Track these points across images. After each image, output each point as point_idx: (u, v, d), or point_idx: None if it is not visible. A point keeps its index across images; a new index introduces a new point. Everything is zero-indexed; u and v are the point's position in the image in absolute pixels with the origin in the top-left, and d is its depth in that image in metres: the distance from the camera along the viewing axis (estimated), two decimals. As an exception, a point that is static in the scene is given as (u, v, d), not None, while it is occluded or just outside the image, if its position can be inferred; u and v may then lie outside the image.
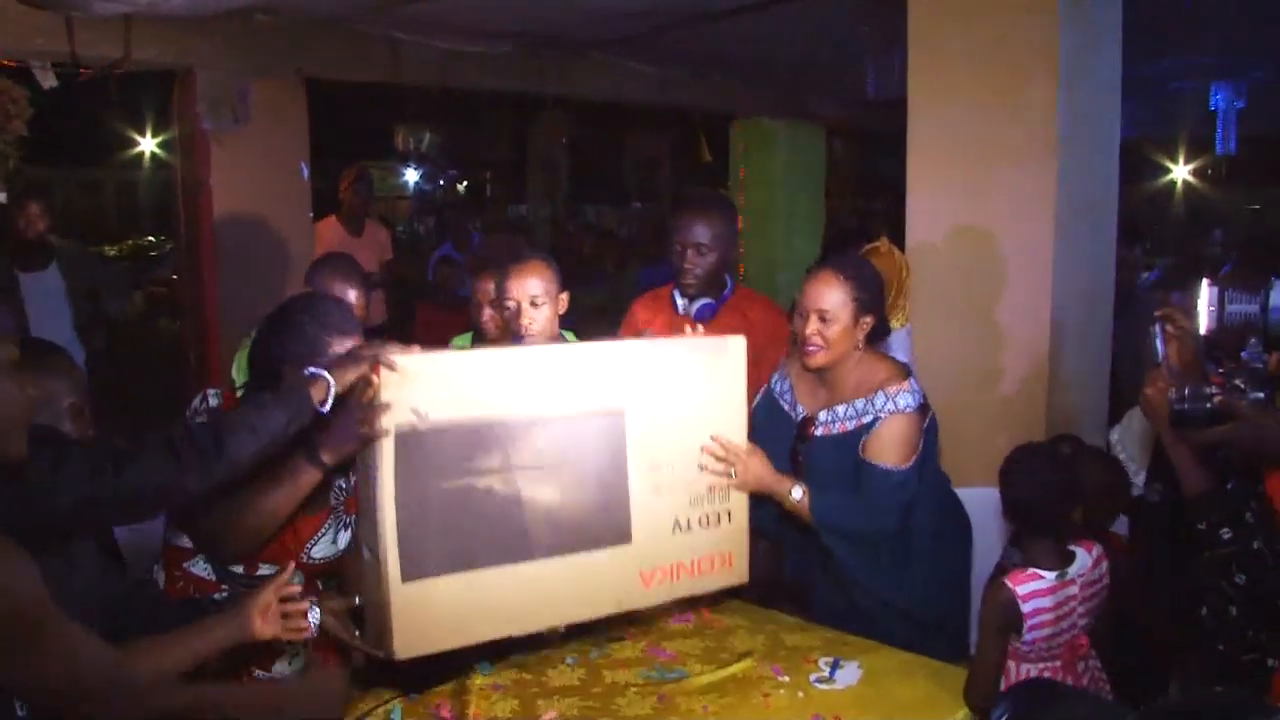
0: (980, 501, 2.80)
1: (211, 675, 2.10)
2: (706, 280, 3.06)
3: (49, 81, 4.50)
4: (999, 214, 3.40)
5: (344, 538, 2.27)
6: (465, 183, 13.77)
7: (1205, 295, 2.00)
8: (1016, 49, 3.33)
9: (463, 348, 3.03)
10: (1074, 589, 2.28)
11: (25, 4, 4.16)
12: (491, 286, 2.97)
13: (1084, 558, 2.32)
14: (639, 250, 8.23)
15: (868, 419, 2.47)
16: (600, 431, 2.18)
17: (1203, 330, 2.02)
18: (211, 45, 4.84)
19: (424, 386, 1.95)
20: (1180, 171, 12.40)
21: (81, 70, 4.58)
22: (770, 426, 2.56)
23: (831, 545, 2.47)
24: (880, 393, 2.47)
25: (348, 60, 5.37)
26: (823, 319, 2.46)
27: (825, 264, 2.58)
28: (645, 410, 2.22)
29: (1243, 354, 1.97)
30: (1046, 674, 2.27)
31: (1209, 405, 1.97)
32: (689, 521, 2.30)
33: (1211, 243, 5.71)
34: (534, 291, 2.66)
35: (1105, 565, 2.40)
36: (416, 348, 1.99)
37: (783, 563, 2.78)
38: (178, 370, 5.62)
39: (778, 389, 2.70)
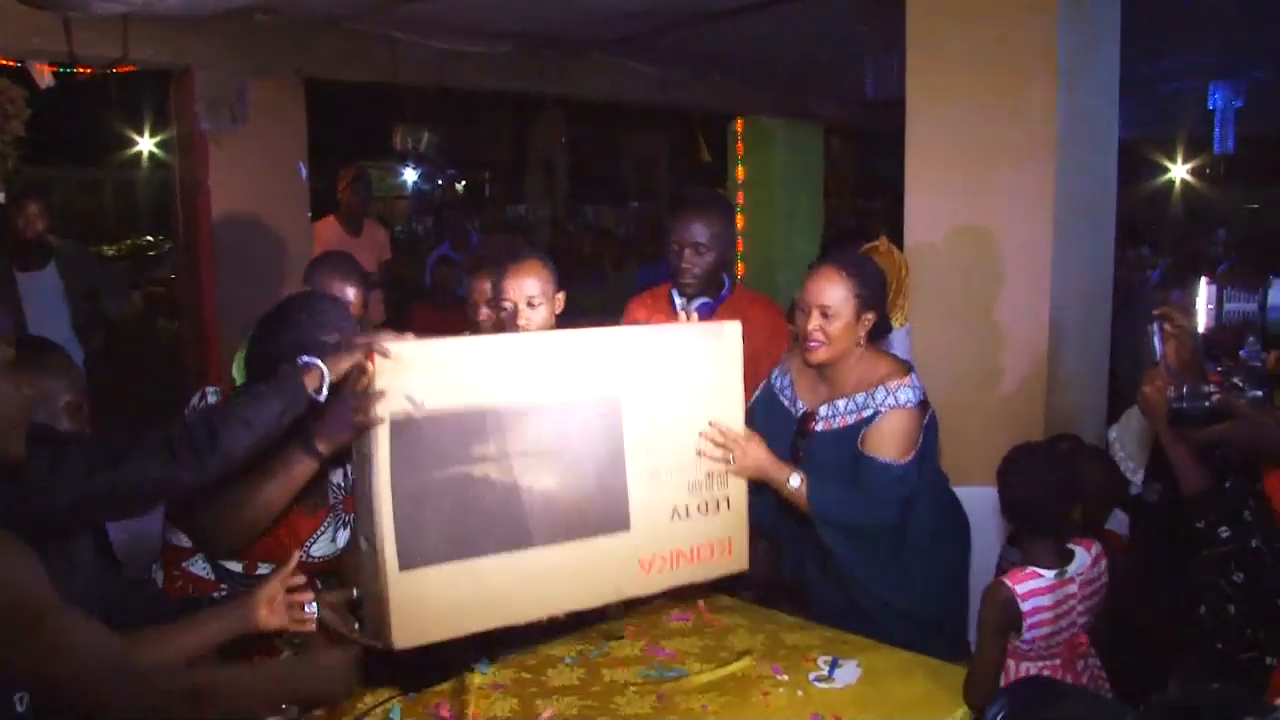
0: (979, 501, 2.80)
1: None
2: (704, 280, 3.06)
3: (45, 82, 4.50)
4: (998, 214, 3.40)
5: (343, 536, 2.27)
6: (464, 183, 13.78)
7: (1204, 294, 2.00)
8: (1016, 49, 3.33)
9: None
10: (1073, 587, 2.28)
11: (23, 3, 4.16)
12: (488, 286, 2.96)
13: (1083, 556, 2.32)
14: (637, 250, 8.22)
15: (868, 413, 2.47)
16: (597, 418, 2.17)
17: (1201, 329, 2.02)
18: (209, 45, 4.84)
19: (419, 374, 1.94)
20: (1179, 171, 12.42)
21: (79, 70, 4.58)
22: (770, 422, 2.55)
23: (828, 538, 2.46)
24: (881, 387, 2.47)
25: (346, 60, 5.37)
26: (825, 315, 2.46)
27: (828, 260, 2.57)
28: (642, 396, 2.21)
29: (1241, 352, 1.97)
30: (1046, 672, 2.27)
31: (1207, 404, 1.98)
32: (688, 508, 2.29)
33: (1215, 242, 5.70)
34: (531, 292, 2.66)
35: (1104, 564, 2.40)
36: (410, 335, 1.98)
37: (782, 562, 2.78)
38: (176, 370, 5.62)
39: (778, 384, 2.70)
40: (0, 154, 4.54)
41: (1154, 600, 2.79)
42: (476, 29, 5.42)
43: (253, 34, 4.93)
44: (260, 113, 5.10)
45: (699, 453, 2.30)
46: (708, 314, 3.08)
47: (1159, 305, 2.18)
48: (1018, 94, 3.33)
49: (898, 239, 3.64)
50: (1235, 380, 1.94)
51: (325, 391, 1.85)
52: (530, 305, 2.65)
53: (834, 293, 2.46)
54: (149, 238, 14.92)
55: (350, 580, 2.15)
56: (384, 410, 1.90)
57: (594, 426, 2.17)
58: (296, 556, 1.91)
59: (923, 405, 2.48)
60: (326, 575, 2.31)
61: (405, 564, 1.94)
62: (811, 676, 2.21)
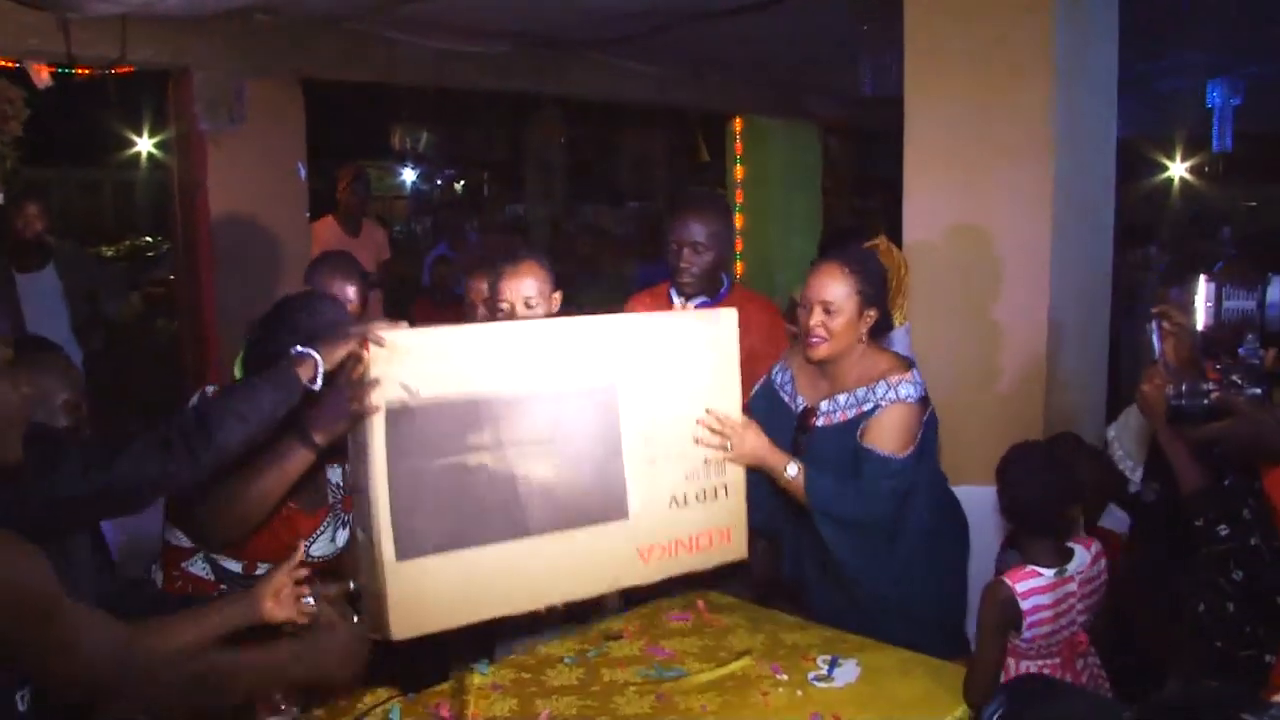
0: (978, 500, 2.80)
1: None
2: (703, 279, 3.06)
3: (43, 82, 4.49)
4: (996, 213, 3.40)
5: (342, 536, 2.27)
6: (462, 182, 13.77)
7: (1202, 291, 2.00)
8: (1013, 48, 3.33)
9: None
10: (1073, 586, 2.28)
11: (20, 4, 4.16)
12: (485, 286, 2.96)
13: (1082, 554, 2.32)
14: (636, 249, 8.22)
15: (868, 407, 2.46)
16: (593, 406, 2.16)
17: (1200, 326, 2.02)
18: (208, 45, 4.84)
19: (414, 362, 1.93)
20: (1177, 169, 12.42)
21: (78, 70, 4.58)
22: (770, 418, 2.53)
23: (824, 531, 2.45)
24: (882, 381, 2.46)
25: (344, 60, 5.36)
26: (827, 310, 2.46)
27: (831, 256, 2.56)
28: (638, 384, 2.21)
29: (1240, 350, 1.98)
30: (1046, 671, 2.27)
31: (1206, 401, 1.98)
32: (685, 496, 2.28)
33: (1220, 241, 5.71)
34: (528, 293, 2.65)
35: (1104, 562, 2.40)
36: (404, 324, 1.96)
37: (779, 561, 2.78)
38: (175, 370, 5.62)
39: (778, 380, 2.69)
40: (-1, 154, 4.54)
41: (1153, 599, 2.79)
42: (475, 29, 5.42)
43: (251, 34, 4.93)
44: (259, 113, 5.10)
45: (696, 440, 2.30)
46: (706, 313, 3.08)
47: (1158, 303, 2.19)
48: (1015, 93, 3.33)
49: (896, 238, 3.64)
50: (1234, 378, 1.95)
51: (320, 380, 1.83)
52: (527, 306, 2.65)
53: (837, 289, 2.46)
54: (148, 238, 14.89)
55: (348, 574, 2.14)
56: (379, 399, 1.89)
57: (590, 414, 2.16)
58: (302, 548, 1.90)
59: (923, 401, 2.48)
60: (326, 575, 2.30)
61: (402, 554, 1.93)
62: (811, 676, 2.22)
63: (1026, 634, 2.23)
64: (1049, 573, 2.25)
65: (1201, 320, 2.01)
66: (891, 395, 2.44)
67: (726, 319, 2.34)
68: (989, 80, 3.37)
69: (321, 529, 2.25)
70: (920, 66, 3.55)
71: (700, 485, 2.31)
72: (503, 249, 3.38)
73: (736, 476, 2.37)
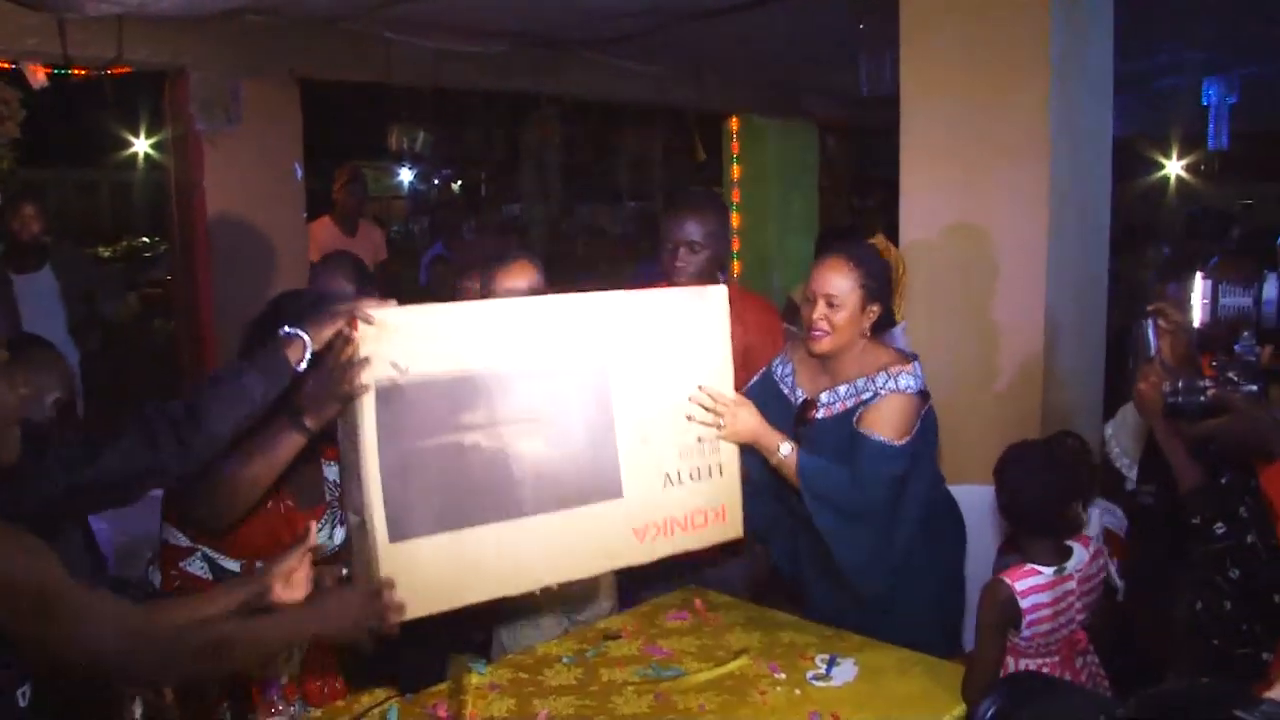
0: (976, 499, 2.81)
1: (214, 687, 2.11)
2: (698, 278, 3.05)
3: (39, 83, 4.49)
4: (993, 211, 3.41)
5: (340, 534, 2.27)
6: (460, 182, 13.76)
7: (1199, 288, 2.00)
8: (1010, 46, 3.34)
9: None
10: (1072, 584, 2.28)
11: (17, 4, 4.15)
12: (477, 285, 2.96)
13: (1081, 553, 2.32)
14: (633, 249, 8.23)
15: (867, 395, 2.46)
16: (584, 383, 2.14)
17: (1196, 323, 2.03)
18: (204, 46, 4.83)
19: (403, 340, 1.90)
20: (1174, 168, 12.43)
21: (74, 71, 4.57)
22: (769, 410, 2.52)
23: (818, 517, 2.42)
24: (882, 372, 2.45)
25: (342, 60, 5.36)
26: (830, 304, 2.46)
27: (835, 250, 2.56)
28: (629, 361, 2.19)
29: (1236, 347, 1.98)
30: (1045, 669, 2.27)
31: (1202, 398, 1.98)
32: (679, 474, 2.27)
33: (1231, 240, 5.69)
34: (520, 292, 2.65)
35: (1102, 560, 2.41)
36: (393, 301, 1.93)
37: (769, 561, 2.78)
38: (173, 371, 5.61)
39: (778, 373, 2.68)
40: (-4, 155, 4.54)
41: (1152, 598, 2.79)
42: (473, 28, 5.42)
43: (247, 34, 4.92)
44: (255, 113, 5.09)
45: (689, 418, 2.29)
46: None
47: (1155, 301, 2.19)
48: (1012, 91, 3.33)
49: (894, 237, 3.64)
50: (1230, 374, 1.95)
51: (307, 360, 1.81)
52: None
53: (840, 282, 2.46)
54: (145, 239, 14.89)
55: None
56: (369, 378, 1.86)
57: (582, 392, 2.14)
58: (314, 530, 1.89)
59: (923, 395, 2.46)
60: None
61: (395, 536, 1.90)
62: (809, 675, 2.22)
63: (1026, 633, 2.23)
64: (1048, 571, 2.25)
65: (1198, 317, 2.02)
66: (891, 385, 2.44)
67: (716, 295, 2.33)
68: (986, 79, 3.38)
69: (320, 526, 2.25)
70: (916, 65, 3.55)
71: (694, 463, 2.29)
72: (497, 249, 3.38)
73: (730, 454, 2.36)
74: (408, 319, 1.93)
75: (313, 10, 4.89)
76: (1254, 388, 1.93)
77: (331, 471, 2.28)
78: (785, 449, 2.39)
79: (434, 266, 6.27)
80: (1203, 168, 12.25)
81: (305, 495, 2.22)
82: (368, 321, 1.86)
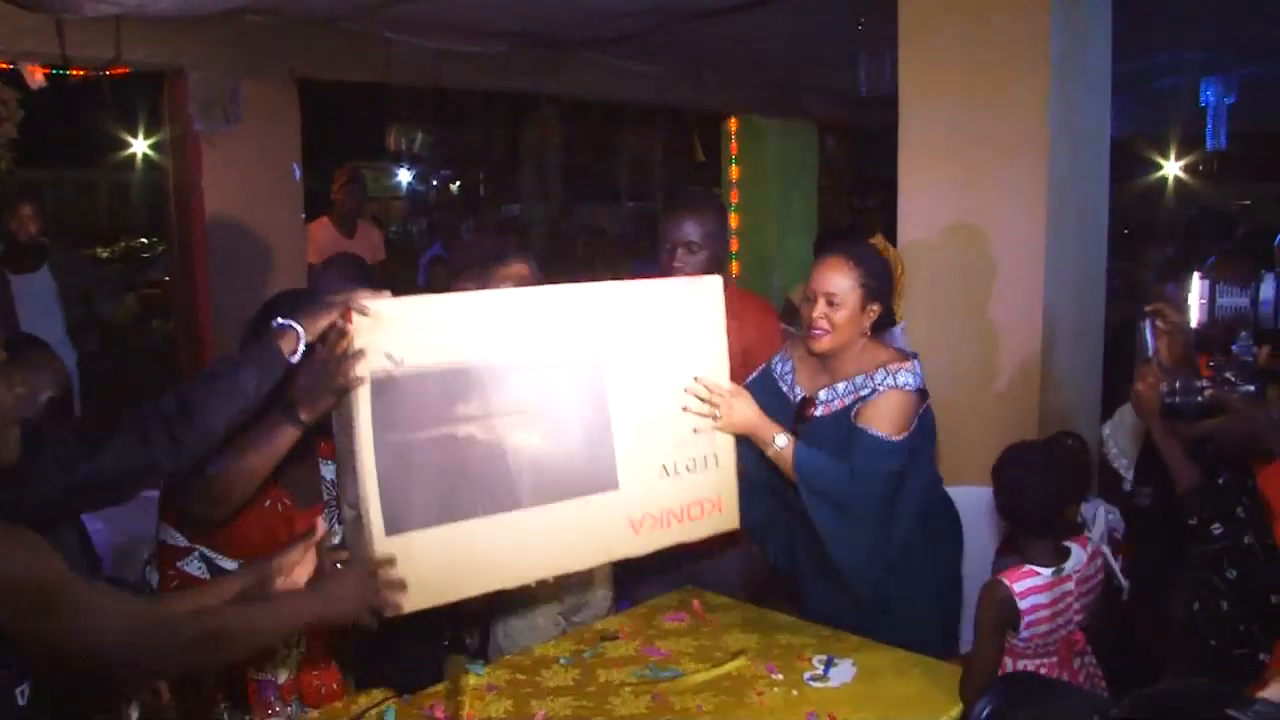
0: (973, 500, 2.80)
1: (211, 678, 2.10)
2: (697, 278, 3.05)
3: (37, 83, 4.49)
4: (991, 210, 3.41)
5: (338, 531, 2.27)
6: (458, 183, 13.77)
7: (1196, 289, 2.00)
8: (1009, 45, 3.34)
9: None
10: (1070, 585, 2.28)
11: (14, 5, 4.15)
12: (474, 286, 2.95)
13: (1079, 553, 2.32)
14: (632, 249, 8.23)
15: (865, 392, 2.45)
16: (580, 374, 2.13)
17: (1194, 324, 2.03)
18: (203, 46, 4.83)
19: (398, 331, 1.89)
20: (1172, 168, 12.43)
21: (72, 71, 4.57)
22: (767, 408, 2.50)
23: (814, 511, 2.41)
24: (881, 369, 2.45)
25: (342, 60, 5.36)
26: (830, 303, 2.45)
27: (836, 249, 2.56)
28: (624, 352, 2.19)
29: (1233, 347, 1.98)
30: (1043, 670, 2.27)
31: (1200, 399, 1.98)
32: (675, 465, 2.26)
33: (1231, 241, 5.69)
34: None
35: (1100, 560, 2.40)
36: (387, 292, 1.92)
37: (765, 561, 2.77)
38: (171, 371, 5.61)
39: (778, 370, 2.68)
40: (-6, 156, 4.54)
41: (1150, 599, 2.79)
42: (474, 28, 5.42)
43: (246, 34, 4.92)
44: (254, 113, 5.09)
45: (684, 408, 2.28)
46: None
47: (1153, 301, 2.19)
48: (1011, 90, 3.33)
49: (894, 237, 3.64)
50: (1227, 375, 1.95)
51: (301, 351, 1.80)
52: None
53: (840, 281, 2.46)
54: (143, 239, 14.88)
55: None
56: (364, 370, 1.85)
57: (577, 382, 2.13)
58: (321, 526, 1.88)
59: (921, 393, 2.46)
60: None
61: (391, 529, 1.89)
62: (806, 676, 2.22)
63: (1024, 633, 2.23)
64: (1046, 572, 2.25)
65: (1195, 318, 2.02)
66: (890, 382, 2.43)
67: (711, 285, 2.33)
68: (985, 79, 3.38)
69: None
70: (915, 65, 3.55)
71: (690, 454, 2.28)
72: (495, 249, 3.38)
73: (726, 445, 2.35)
74: (402, 310, 1.92)
75: (313, 10, 4.89)
76: (1251, 388, 1.93)
77: (329, 470, 2.28)
78: (781, 440, 2.38)
79: (432, 267, 6.27)
80: (1201, 168, 12.26)
81: (303, 494, 2.22)
82: (362, 312, 1.85)
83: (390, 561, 1.85)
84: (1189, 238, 4.94)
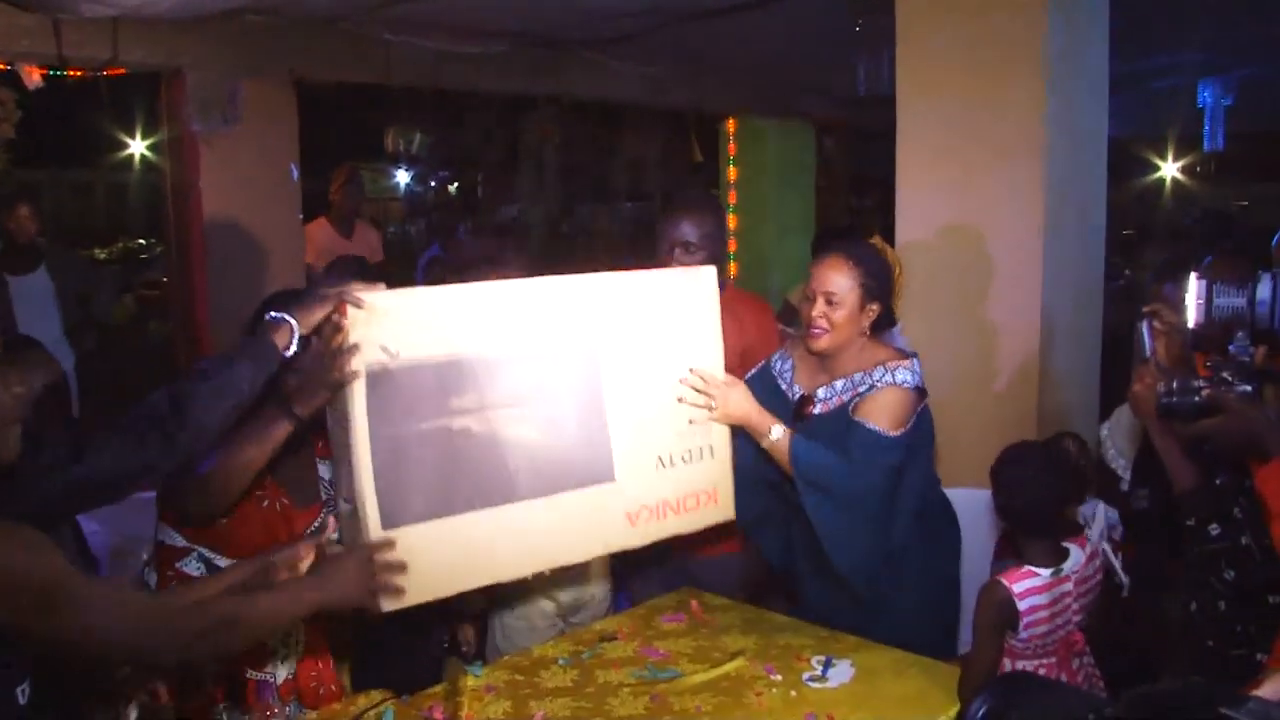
0: (971, 501, 2.80)
1: (210, 678, 2.10)
2: (695, 279, 3.05)
3: (34, 83, 4.48)
4: (989, 211, 3.41)
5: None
6: (456, 183, 13.76)
7: (1193, 289, 2.00)
8: (1006, 45, 3.34)
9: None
10: (1069, 585, 2.28)
11: (12, 5, 4.15)
12: None
13: (1077, 554, 2.32)
14: (631, 249, 8.22)
15: (863, 388, 2.45)
16: (575, 366, 2.13)
17: (1191, 324, 2.03)
18: (201, 46, 4.83)
19: (393, 324, 1.89)
20: (1169, 169, 12.44)
21: (69, 72, 4.57)
22: (766, 405, 2.49)
23: (811, 505, 2.40)
24: (880, 367, 2.45)
25: (341, 61, 5.36)
26: (829, 302, 2.45)
27: (836, 248, 2.56)
28: (619, 343, 2.18)
29: (1230, 347, 1.98)
30: (1042, 671, 2.27)
31: (1197, 399, 1.98)
32: (671, 457, 2.26)
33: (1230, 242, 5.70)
34: None
35: (1098, 561, 2.40)
36: (382, 285, 1.92)
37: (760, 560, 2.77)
38: (169, 372, 5.61)
39: (777, 368, 2.68)
40: (-9, 156, 4.54)
41: (1147, 599, 2.80)
42: (473, 29, 5.42)
43: (244, 35, 4.92)
44: (252, 114, 5.09)
45: (680, 400, 2.28)
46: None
47: (1150, 301, 2.19)
48: (1008, 91, 3.33)
49: (890, 237, 3.64)
50: (1224, 375, 1.95)
51: (295, 345, 1.79)
52: None
53: (840, 280, 2.46)
54: (140, 240, 14.88)
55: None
56: (359, 363, 1.84)
57: (573, 374, 2.13)
58: (331, 524, 1.88)
59: (920, 391, 2.45)
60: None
61: (388, 523, 1.88)
62: (805, 676, 2.22)
63: (1023, 634, 2.23)
64: (1045, 573, 2.25)
65: (1192, 318, 2.02)
66: (888, 379, 2.43)
67: (705, 276, 2.33)
68: (983, 79, 3.38)
69: (317, 524, 2.24)
70: (912, 64, 3.55)
71: (686, 446, 2.28)
72: (492, 250, 3.38)
73: (722, 436, 2.35)
74: (397, 302, 1.91)
75: (312, 10, 4.89)
76: (1248, 388, 1.93)
77: (326, 470, 2.28)
78: (777, 432, 2.38)
79: (431, 268, 6.26)
80: (1198, 169, 12.28)
81: (301, 494, 2.22)
82: (356, 305, 1.84)
83: (390, 544, 1.85)
84: (1188, 239, 4.95)
